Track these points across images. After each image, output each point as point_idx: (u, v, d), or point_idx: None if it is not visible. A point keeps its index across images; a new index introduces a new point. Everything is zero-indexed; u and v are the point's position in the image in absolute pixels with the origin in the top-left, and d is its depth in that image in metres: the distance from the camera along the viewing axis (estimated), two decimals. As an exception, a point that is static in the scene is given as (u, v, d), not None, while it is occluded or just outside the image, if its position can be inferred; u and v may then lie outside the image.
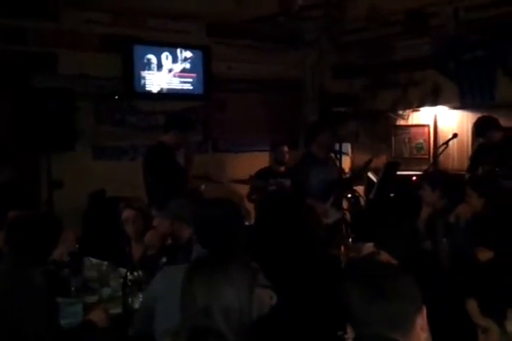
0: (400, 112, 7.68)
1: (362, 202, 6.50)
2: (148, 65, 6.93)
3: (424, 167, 6.58)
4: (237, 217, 2.83)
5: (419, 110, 7.57)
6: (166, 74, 7.08)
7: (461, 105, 7.06)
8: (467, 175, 5.68)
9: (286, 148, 6.57)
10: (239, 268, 1.93)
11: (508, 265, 1.75)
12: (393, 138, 7.88)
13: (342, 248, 4.21)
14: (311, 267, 3.04)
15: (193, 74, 7.30)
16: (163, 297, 2.48)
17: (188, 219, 3.23)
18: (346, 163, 7.33)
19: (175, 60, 7.15)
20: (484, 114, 6.14)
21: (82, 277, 3.53)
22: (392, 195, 6.42)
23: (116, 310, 3.12)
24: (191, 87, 7.31)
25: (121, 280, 3.22)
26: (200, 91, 7.35)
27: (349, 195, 6.21)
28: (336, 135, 6.52)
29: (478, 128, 5.90)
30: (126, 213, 4.04)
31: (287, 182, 6.11)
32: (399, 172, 6.71)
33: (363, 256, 3.82)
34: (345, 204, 6.15)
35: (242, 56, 7.61)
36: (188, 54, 7.25)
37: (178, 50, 7.18)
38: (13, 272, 2.73)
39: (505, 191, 4.48)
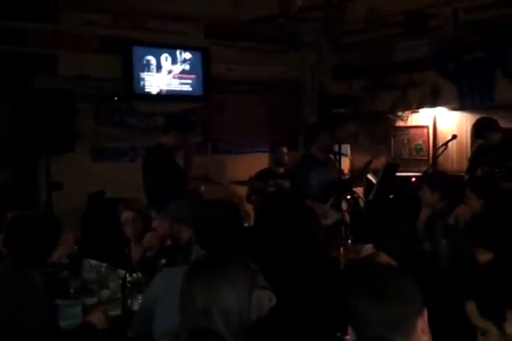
0: (400, 113, 7.68)
1: (361, 203, 6.49)
2: (147, 67, 6.93)
3: (424, 168, 6.58)
4: (236, 218, 2.83)
5: (418, 111, 7.57)
6: (165, 75, 7.09)
7: (461, 106, 7.07)
8: (466, 177, 5.68)
9: (285, 150, 6.57)
10: (238, 269, 1.93)
11: (507, 266, 1.75)
12: (392, 140, 7.88)
13: (341, 249, 4.21)
14: (310, 268, 3.04)
15: (193, 76, 7.30)
16: (163, 298, 2.48)
17: (188, 220, 3.23)
18: (345, 164, 7.33)
19: (174, 62, 7.15)
20: (483, 115, 6.14)
21: (81, 279, 3.52)
22: (391, 196, 6.42)
23: (116, 311, 3.12)
24: (191, 89, 7.31)
25: (121, 281, 3.21)
26: (199, 92, 7.35)
27: (348, 197, 6.21)
28: (335, 136, 6.52)
29: (478, 130, 5.90)
30: (126, 214, 4.03)
31: (286, 184, 6.11)
32: (398, 174, 6.71)
33: (362, 258, 3.82)
34: (344, 205, 6.15)
35: (242, 57, 7.62)
36: (188, 55, 7.25)
37: (178, 52, 7.18)
38: (12, 273, 2.72)
39: (504, 192, 4.48)
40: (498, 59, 6.60)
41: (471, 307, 1.67)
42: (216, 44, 7.42)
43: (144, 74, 6.90)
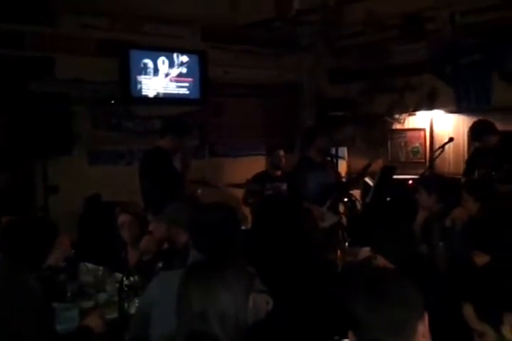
0: (396, 116, 7.69)
1: (358, 206, 6.49)
2: (144, 70, 6.93)
3: (421, 171, 6.58)
4: (233, 221, 2.82)
5: (415, 114, 7.58)
6: (162, 78, 7.09)
7: (458, 109, 7.08)
8: (463, 179, 5.68)
9: (282, 152, 6.57)
10: (235, 273, 1.93)
11: (504, 269, 1.75)
12: (389, 142, 7.89)
13: (338, 252, 4.20)
14: (307, 271, 3.04)
15: (190, 79, 7.30)
16: (159, 302, 2.48)
17: (185, 223, 3.22)
18: (343, 167, 7.35)
19: (171, 65, 7.16)
20: (480, 117, 6.15)
21: (78, 282, 3.52)
22: (388, 198, 6.42)
23: (113, 315, 3.11)
24: (188, 92, 7.31)
25: (117, 285, 3.21)
26: (196, 95, 7.35)
27: (345, 199, 6.21)
28: (333, 139, 6.52)
29: (474, 132, 5.90)
30: (122, 218, 4.02)
31: (284, 187, 6.12)
32: (395, 176, 6.71)
33: (359, 261, 3.82)
34: (341, 208, 6.15)
35: (239, 61, 7.63)
36: (185, 58, 7.25)
37: (175, 55, 7.19)
38: (7, 277, 2.72)
39: (501, 195, 4.48)
40: (495, 62, 6.62)
41: (468, 310, 1.67)
42: (213, 47, 7.43)
43: (141, 78, 6.90)
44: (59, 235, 2.93)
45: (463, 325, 1.70)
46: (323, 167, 5.85)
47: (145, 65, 6.93)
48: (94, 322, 2.85)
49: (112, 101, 6.73)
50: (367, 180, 6.84)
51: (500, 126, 5.86)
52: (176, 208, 3.72)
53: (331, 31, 7.21)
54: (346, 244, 4.58)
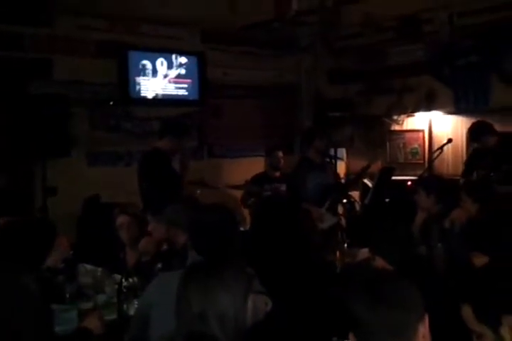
0: (395, 117, 7.70)
1: (357, 207, 6.49)
2: (143, 71, 6.93)
3: (419, 172, 6.59)
4: (232, 222, 2.82)
5: (413, 115, 7.59)
6: (161, 80, 7.09)
7: (456, 110, 7.09)
8: (462, 180, 5.69)
9: (281, 154, 6.57)
10: (234, 274, 1.93)
11: (503, 270, 1.75)
12: (388, 144, 7.90)
13: (337, 253, 4.20)
14: (306, 272, 3.04)
15: (188, 80, 7.30)
16: (159, 303, 2.48)
17: (184, 224, 3.22)
18: (341, 168, 7.34)
19: (170, 66, 7.16)
20: (479, 119, 6.16)
21: (77, 283, 3.51)
22: (387, 200, 6.43)
23: (111, 316, 3.11)
24: (186, 93, 7.31)
25: (116, 286, 3.21)
26: (195, 96, 7.35)
27: (344, 200, 6.21)
28: (331, 140, 6.53)
29: (473, 133, 5.92)
30: (121, 219, 4.02)
31: (282, 188, 6.12)
32: (394, 178, 6.72)
33: (358, 262, 3.82)
34: (340, 209, 6.15)
35: (238, 62, 7.63)
36: (183, 60, 7.26)
37: (173, 56, 7.19)
38: (6, 278, 2.71)
39: (499, 196, 4.49)
40: (493, 63, 6.63)
41: (467, 311, 1.67)
42: (212, 48, 7.43)
43: (140, 79, 6.91)
44: (58, 236, 2.93)
45: (461, 326, 1.70)
46: (322, 168, 5.85)
47: (144, 66, 6.93)
48: (93, 323, 2.84)
49: (111, 103, 6.73)
50: (366, 181, 6.84)
51: (498, 127, 5.87)
52: (174, 209, 3.72)
53: (330, 32, 7.21)
54: (345, 245, 4.57)
